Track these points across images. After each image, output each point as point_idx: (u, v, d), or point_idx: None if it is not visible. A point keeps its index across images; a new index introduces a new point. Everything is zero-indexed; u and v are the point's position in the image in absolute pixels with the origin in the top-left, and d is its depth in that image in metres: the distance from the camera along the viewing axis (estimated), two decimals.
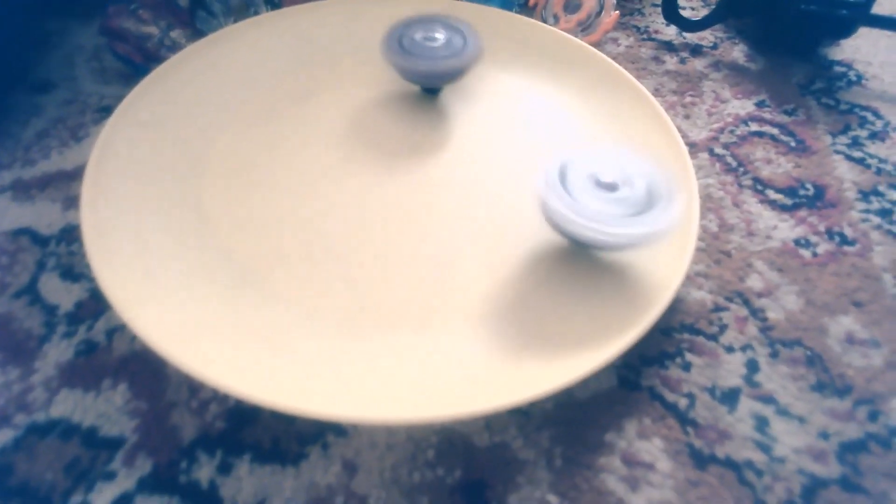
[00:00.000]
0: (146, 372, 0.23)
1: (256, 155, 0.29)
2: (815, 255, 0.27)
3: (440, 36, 0.30)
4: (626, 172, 0.23)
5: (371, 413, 0.19)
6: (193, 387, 0.22)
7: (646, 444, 0.21)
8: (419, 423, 0.21)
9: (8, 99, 0.35)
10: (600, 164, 0.23)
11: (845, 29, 0.37)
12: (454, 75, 0.30)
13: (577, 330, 0.22)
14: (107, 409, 0.22)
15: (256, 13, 0.36)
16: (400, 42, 0.30)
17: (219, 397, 0.22)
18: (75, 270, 0.26)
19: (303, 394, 0.20)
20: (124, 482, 0.20)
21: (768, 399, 0.22)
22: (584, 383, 0.22)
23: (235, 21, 0.35)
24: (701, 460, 0.21)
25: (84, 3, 0.42)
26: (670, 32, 0.41)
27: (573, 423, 0.21)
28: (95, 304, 0.25)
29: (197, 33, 0.35)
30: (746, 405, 0.22)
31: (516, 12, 0.37)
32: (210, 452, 0.21)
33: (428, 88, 0.32)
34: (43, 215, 0.29)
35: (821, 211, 0.29)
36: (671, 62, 0.38)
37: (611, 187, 0.23)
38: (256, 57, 0.33)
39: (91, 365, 0.23)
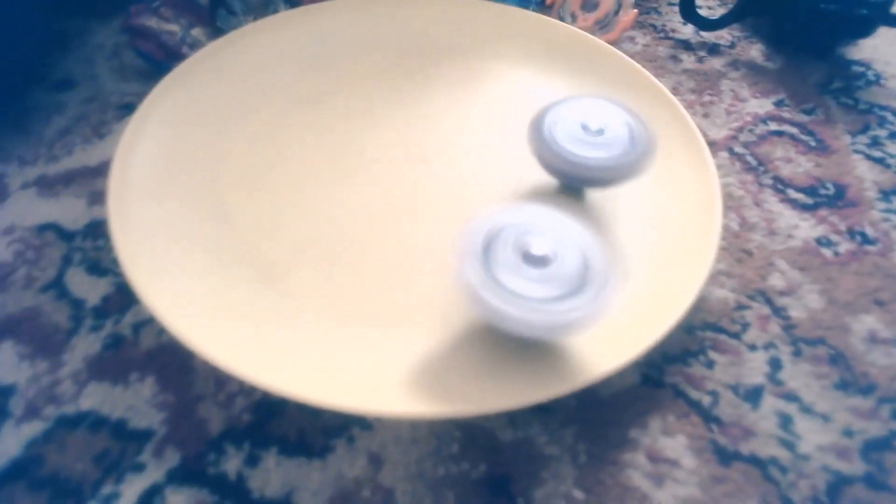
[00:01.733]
0: (173, 365, 0.23)
1: (275, 151, 0.29)
2: (836, 254, 0.27)
3: (598, 124, 0.25)
4: (560, 242, 0.20)
5: (396, 407, 0.20)
6: (220, 380, 0.23)
7: (670, 440, 0.21)
8: (443, 418, 0.21)
9: (30, 97, 0.35)
10: (533, 231, 0.20)
11: (864, 28, 0.37)
12: (607, 180, 0.25)
13: (600, 328, 0.22)
14: (135, 402, 0.22)
15: (276, 11, 0.36)
16: (547, 127, 0.25)
17: (245, 390, 0.22)
18: (101, 265, 0.27)
19: (328, 387, 0.20)
20: (154, 474, 0.20)
21: (792, 397, 0.22)
22: (607, 381, 0.22)
23: (255, 19, 0.36)
24: (725, 457, 0.21)
25: (104, 3, 0.43)
26: (687, 31, 0.41)
27: (596, 420, 0.21)
28: (122, 299, 0.25)
29: (217, 31, 0.35)
30: (770, 403, 0.22)
31: (533, 10, 0.37)
32: (237, 445, 0.21)
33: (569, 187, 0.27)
34: (68, 210, 0.29)
35: (842, 210, 0.29)
36: (689, 61, 0.38)
37: (541, 261, 0.19)
38: (276, 55, 0.33)
39: (119, 358, 0.24)
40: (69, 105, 0.35)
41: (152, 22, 0.34)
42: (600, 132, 0.25)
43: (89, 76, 0.37)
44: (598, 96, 0.27)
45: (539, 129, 0.26)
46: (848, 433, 0.21)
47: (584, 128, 0.25)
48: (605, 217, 0.27)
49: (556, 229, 0.21)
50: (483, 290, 0.19)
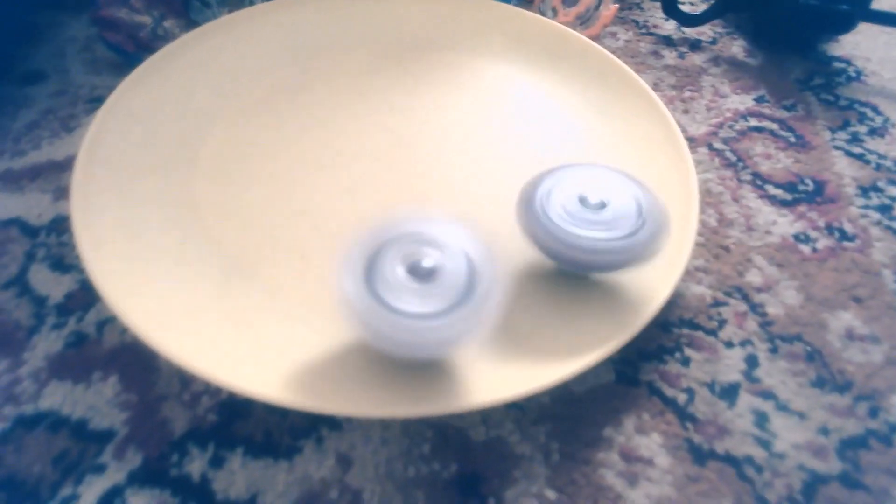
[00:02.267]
0: (137, 364, 0.23)
1: (248, 146, 0.29)
2: (814, 250, 0.27)
3: (599, 196, 0.21)
4: (446, 255, 0.19)
5: (365, 407, 0.19)
6: (185, 379, 0.22)
7: (644, 439, 0.21)
8: (414, 417, 0.21)
9: None
10: (417, 246, 0.19)
11: (845, 24, 0.37)
12: (611, 265, 0.21)
13: (574, 324, 0.21)
14: (96, 402, 0.22)
15: (252, 3, 0.36)
16: (539, 201, 0.21)
17: (211, 390, 0.22)
18: (65, 261, 0.26)
19: (296, 386, 0.20)
20: (114, 475, 0.20)
21: (768, 395, 0.22)
22: (581, 378, 0.22)
23: (230, 11, 0.35)
24: (700, 456, 0.20)
25: None
26: (669, 27, 0.40)
27: (570, 419, 0.21)
28: (85, 296, 0.25)
29: (190, 23, 0.35)
30: (746, 400, 0.22)
31: (514, 5, 0.37)
32: (202, 446, 0.20)
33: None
34: (33, 206, 0.28)
35: (820, 206, 0.29)
36: (670, 57, 0.38)
37: (427, 274, 0.18)
38: (250, 48, 0.33)
39: (81, 357, 0.23)
40: (38, 98, 0.34)
41: (122, 13, 0.33)
42: (602, 206, 0.21)
43: (60, 69, 0.36)
44: (598, 165, 0.23)
45: (529, 203, 0.21)
46: (824, 431, 0.21)
47: (583, 201, 0.21)
48: None
49: (441, 239, 0.19)
50: (363, 313, 0.18)
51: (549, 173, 0.22)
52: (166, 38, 0.34)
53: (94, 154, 0.26)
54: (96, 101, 0.34)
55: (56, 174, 0.30)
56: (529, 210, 0.21)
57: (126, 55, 0.34)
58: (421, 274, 0.18)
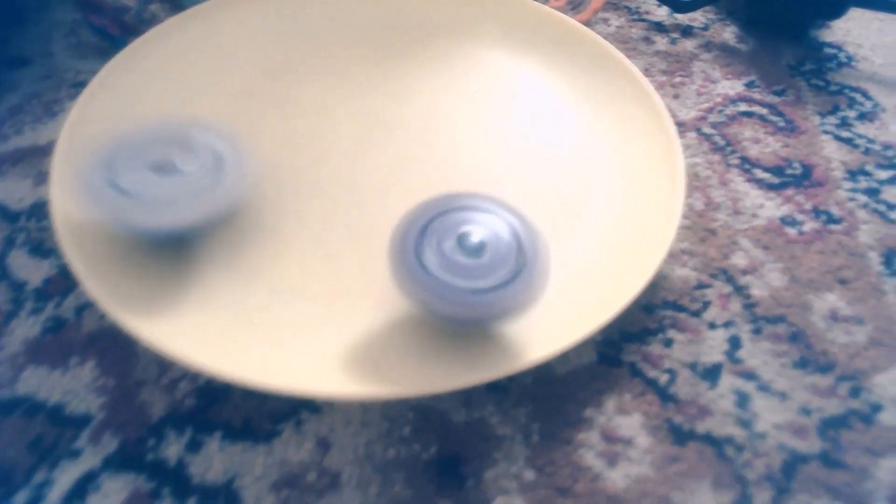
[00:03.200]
0: (115, 349, 0.22)
1: (236, 130, 0.28)
2: (800, 233, 0.27)
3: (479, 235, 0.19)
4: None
5: (343, 388, 0.19)
6: (163, 364, 0.22)
7: (625, 419, 0.20)
8: (392, 399, 0.21)
9: None
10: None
11: (836, 10, 0.36)
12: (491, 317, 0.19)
13: (556, 304, 0.21)
14: (74, 387, 0.21)
15: None
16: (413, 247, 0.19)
17: (189, 375, 0.22)
18: (45, 246, 0.26)
19: (274, 370, 0.19)
20: (90, 460, 0.20)
21: (750, 375, 0.22)
22: (564, 358, 0.22)
23: None
24: (680, 436, 0.20)
25: None
26: (661, 13, 0.40)
27: (552, 399, 0.21)
28: (65, 281, 0.24)
29: (177, 6, 0.34)
30: (728, 381, 0.22)
31: None
32: (179, 430, 0.20)
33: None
34: (14, 191, 0.28)
35: (807, 190, 0.29)
36: (661, 43, 0.37)
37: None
38: (237, 32, 0.32)
39: (58, 342, 0.23)
40: (22, 83, 0.34)
41: None
42: (481, 249, 0.18)
43: (45, 53, 0.35)
44: (476, 195, 0.20)
45: (404, 252, 0.18)
46: (805, 411, 0.21)
47: (461, 242, 0.18)
48: (570, 193, 0.26)
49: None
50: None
51: (421, 211, 0.19)
52: (152, 21, 0.33)
53: (74, 138, 0.25)
54: (81, 86, 0.33)
55: (38, 159, 0.29)
56: (404, 261, 0.18)
57: (111, 38, 0.33)
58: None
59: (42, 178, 0.29)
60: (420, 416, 0.21)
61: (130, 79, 0.29)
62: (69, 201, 0.23)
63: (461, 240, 0.18)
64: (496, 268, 0.18)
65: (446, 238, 0.18)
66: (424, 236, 0.18)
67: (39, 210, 0.27)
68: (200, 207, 0.20)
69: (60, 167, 0.24)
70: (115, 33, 0.33)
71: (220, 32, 0.32)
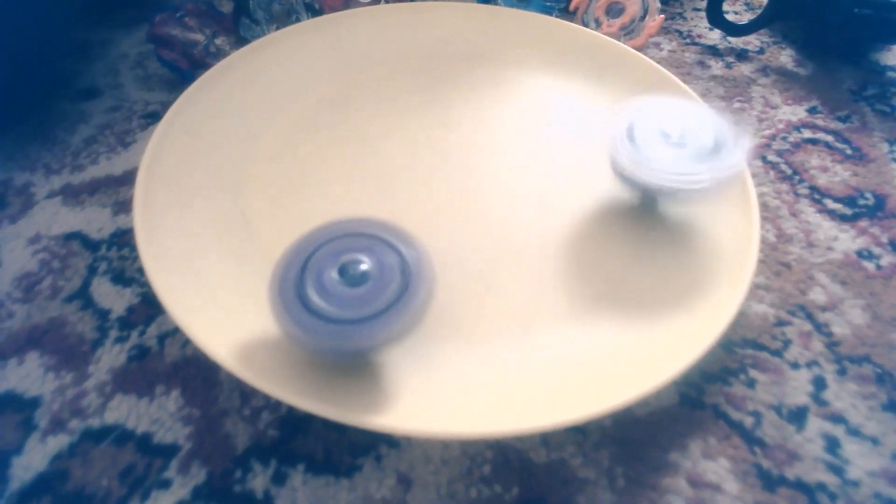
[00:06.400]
0: (198, 378, 0.23)
1: (302, 159, 0.29)
2: (878, 267, 0.26)
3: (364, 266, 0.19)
4: (690, 125, 0.24)
5: (426, 426, 0.19)
6: (245, 393, 0.22)
7: (711, 464, 0.20)
8: (475, 438, 0.21)
9: (55, 106, 0.36)
10: (666, 119, 0.24)
11: None
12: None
13: (637, 346, 0.21)
14: (160, 416, 0.22)
15: (298, 20, 0.36)
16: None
17: (271, 404, 0.22)
18: (126, 275, 0.27)
19: (354, 403, 0.20)
20: (179, 490, 0.20)
21: (838, 418, 0.21)
22: (644, 400, 0.21)
23: (278, 28, 0.36)
24: (770, 482, 0.20)
25: (127, 13, 0.43)
26: (714, 37, 0.40)
27: (633, 442, 0.21)
28: (147, 309, 0.25)
29: (241, 40, 0.35)
30: (815, 424, 0.21)
31: (556, 16, 0.37)
32: (264, 462, 0.21)
33: None
34: (93, 220, 0.29)
35: (882, 221, 0.28)
36: (717, 67, 0.37)
37: (678, 143, 0.23)
38: (298, 64, 0.33)
39: (144, 370, 0.23)
40: (94, 114, 0.35)
41: (176, 31, 0.34)
42: (363, 279, 0.19)
43: (113, 85, 0.37)
44: (359, 219, 0.20)
45: (283, 290, 0.19)
46: None
47: (343, 273, 0.19)
48: (637, 227, 0.26)
49: (684, 113, 0.24)
50: (639, 165, 0.23)
51: (308, 241, 0.20)
52: (218, 55, 0.34)
53: (153, 168, 0.26)
54: (150, 117, 0.35)
55: (114, 188, 0.31)
56: (286, 299, 0.18)
57: (180, 72, 0.35)
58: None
59: (120, 207, 0.30)
60: (499, 454, 0.21)
61: (201, 110, 0.30)
62: (152, 230, 0.24)
63: (343, 269, 0.19)
64: (376, 297, 0.18)
65: (327, 269, 0.19)
66: (306, 270, 0.19)
67: (119, 239, 0.28)
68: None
69: (142, 197, 0.25)
70: (183, 67, 0.35)
71: (280, 65, 0.33)
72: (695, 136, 0.24)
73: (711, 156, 0.23)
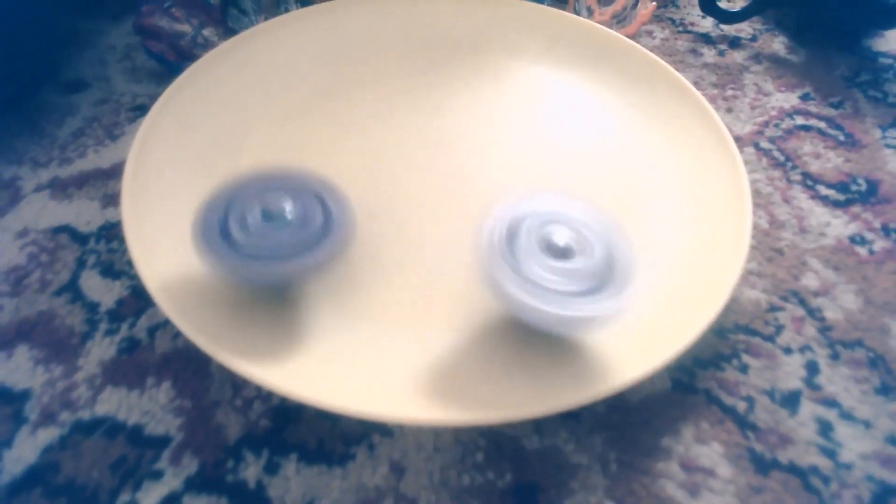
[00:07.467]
0: (189, 369, 0.23)
1: (292, 149, 0.29)
2: (871, 252, 0.26)
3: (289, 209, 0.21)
4: (584, 233, 0.19)
5: (418, 413, 0.19)
6: (237, 384, 0.22)
7: (704, 448, 0.20)
8: (467, 425, 0.21)
9: (42, 97, 0.35)
10: (555, 224, 0.20)
11: (891, 19, 0.35)
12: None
13: (630, 330, 0.21)
14: (151, 408, 0.22)
15: (287, 10, 0.36)
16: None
17: (263, 395, 0.22)
18: (115, 268, 0.26)
19: (347, 391, 0.20)
20: (171, 481, 0.20)
21: (831, 402, 0.21)
22: (637, 386, 0.21)
23: (266, 18, 0.35)
24: (763, 465, 0.20)
25: (115, 4, 0.43)
26: (706, 24, 0.40)
27: (626, 427, 0.21)
28: (136, 302, 0.25)
29: (229, 31, 0.35)
30: (808, 408, 0.21)
31: (548, 5, 0.37)
32: (256, 452, 0.21)
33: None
34: (81, 213, 0.29)
35: (875, 207, 0.28)
36: (709, 55, 0.37)
37: (565, 253, 0.19)
38: (288, 54, 0.33)
39: (134, 362, 0.23)
40: (81, 106, 0.35)
41: (163, 22, 0.34)
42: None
43: (101, 77, 0.37)
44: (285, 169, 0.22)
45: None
46: (892, 441, 0.20)
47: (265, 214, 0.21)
48: (630, 215, 0.26)
49: (579, 220, 0.20)
50: (508, 284, 0.18)
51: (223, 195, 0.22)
52: (206, 46, 0.34)
53: (142, 161, 0.26)
54: (139, 110, 0.34)
55: (103, 181, 0.30)
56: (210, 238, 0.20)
57: (167, 63, 0.34)
58: (557, 252, 0.19)
59: (108, 200, 0.29)
60: (491, 442, 0.21)
61: (190, 102, 0.29)
62: (140, 223, 0.24)
63: (266, 211, 0.21)
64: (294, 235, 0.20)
65: (250, 210, 0.21)
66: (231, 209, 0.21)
67: (108, 232, 0.28)
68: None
69: (131, 189, 0.25)
70: (171, 58, 0.34)
71: (269, 55, 0.32)
72: (584, 252, 0.19)
73: (599, 281, 0.19)
